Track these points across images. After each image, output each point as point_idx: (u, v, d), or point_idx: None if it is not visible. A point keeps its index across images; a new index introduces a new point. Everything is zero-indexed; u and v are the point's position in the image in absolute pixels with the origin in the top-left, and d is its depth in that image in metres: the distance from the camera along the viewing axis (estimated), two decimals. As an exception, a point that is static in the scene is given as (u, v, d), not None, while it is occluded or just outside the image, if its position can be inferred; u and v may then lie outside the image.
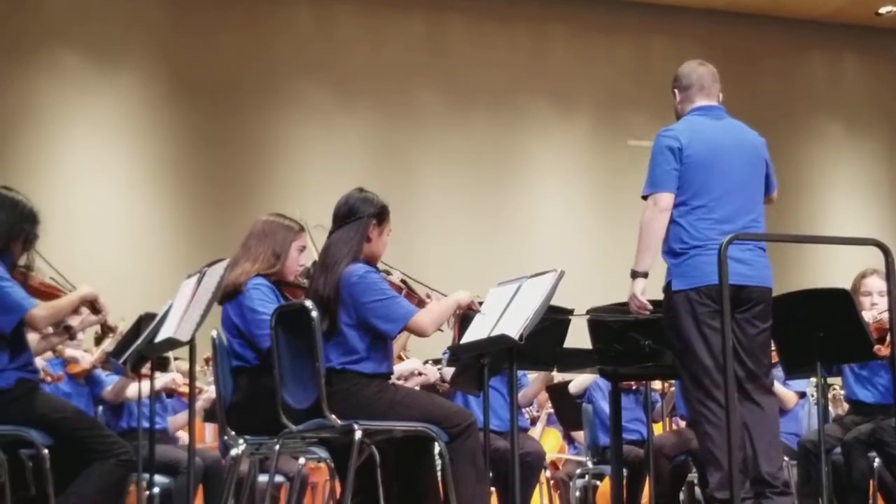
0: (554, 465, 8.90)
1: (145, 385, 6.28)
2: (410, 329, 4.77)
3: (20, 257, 4.96)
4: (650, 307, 5.08)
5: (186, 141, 12.02)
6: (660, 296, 5.21)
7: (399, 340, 5.60)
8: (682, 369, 4.96)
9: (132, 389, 6.82)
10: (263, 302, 4.99)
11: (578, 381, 7.79)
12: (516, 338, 4.63)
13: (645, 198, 5.06)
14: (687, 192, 4.99)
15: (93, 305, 4.97)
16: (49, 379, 6.37)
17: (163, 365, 7.03)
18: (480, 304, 5.00)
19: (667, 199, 4.98)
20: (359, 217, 4.80)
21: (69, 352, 6.80)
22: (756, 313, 4.99)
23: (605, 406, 7.29)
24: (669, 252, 5.01)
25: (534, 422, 9.30)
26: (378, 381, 4.73)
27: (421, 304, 5.01)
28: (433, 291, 5.25)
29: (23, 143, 11.44)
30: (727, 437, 4.37)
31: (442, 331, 5.02)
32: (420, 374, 6.81)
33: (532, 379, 7.74)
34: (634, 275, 5.05)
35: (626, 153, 13.52)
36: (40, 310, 4.79)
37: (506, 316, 4.80)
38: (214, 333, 5.12)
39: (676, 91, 5.27)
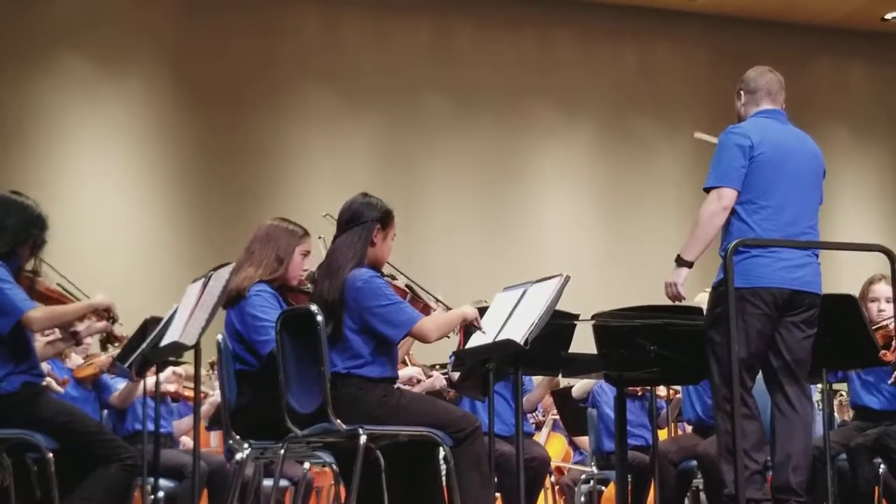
0: (559, 470, 8.89)
1: (149, 383, 6.28)
2: (414, 335, 4.77)
3: (27, 262, 4.97)
4: (685, 297, 5.05)
5: (193, 146, 12.03)
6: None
7: (404, 345, 5.61)
8: (716, 364, 4.91)
9: (139, 392, 6.82)
10: (265, 308, 4.99)
11: (581, 385, 7.79)
12: (522, 343, 4.63)
13: (707, 190, 5.02)
14: (754, 190, 4.97)
15: (108, 313, 4.98)
16: (55, 385, 6.37)
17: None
18: (485, 308, 5.02)
19: (731, 195, 4.95)
20: (363, 222, 4.80)
21: (75, 358, 6.80)
22: (805, 318, 4.99)
23: (610, 412, 7.28)
24: None
25: (539, 427, 9.29)
26: (383, 385, 4.73)
27: (426, 309, 5.01)
28: (438, 303, 5.25)
29: (29, 148, 11.46)
30: (732, 442, 4.38)
31: (448, 337, 5.02)
32: (418, 381, 6.81)
33: (536, 384, 7.74)
34: (680, 262, 5.01)
35: (632, 157, 13.53)
36: (38, 312, 4.79)
37: (511, 321, 4.80)
38: (220, 338, 5.11)
39: (742, 93, 5.26)
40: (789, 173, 5.02)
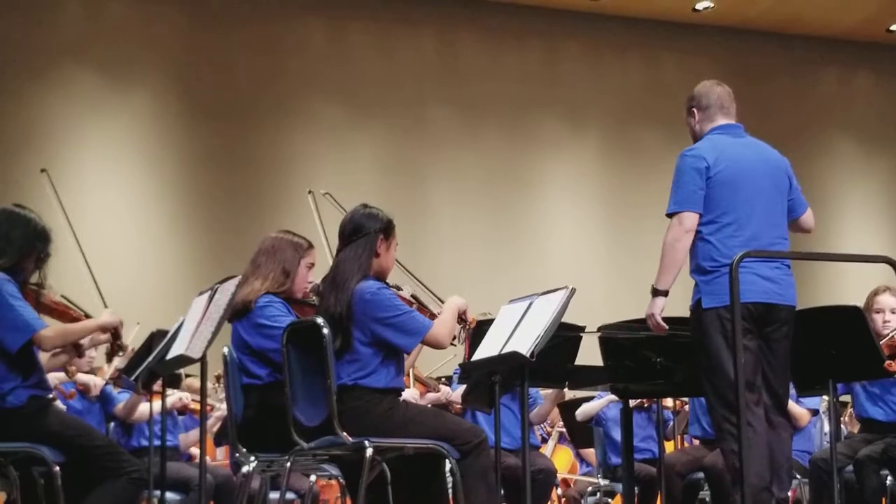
0: (565, 482, 8.88)
1: (156, 403, 6.29)
2: (428, 342, 4.76)
3: (32, 275, 4.98)
4: (667, 328, 5.05)
5: (198, 158, 12.05)
6: (676, 314, 5.20)
7: (409, 356, 5.61)
8: (709, 386, 4.92)
9: (143, 407, 6.83)
10: (279, 318, 4.99)
11: (584, 409, 7.77)
12: (528, 355, 4.62)
13: (669, 216, 5.04)
14: (715, 210, 4.98)
15: (115, 332, 4.99)
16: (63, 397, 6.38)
17: (174, 382, 7.03)
18: (491, 320, 5.01)
19: (692, 219, 4.96)
20: (365, 233, 4.80)
21: (81, 377, 6.81)
22: (784, 333, 4.98)
23: (616, 431, 7.25)
24: (699, 270, 4.98)
25: (545, 439, 9.28)
26: (389, 397, 4.72)
27: (433, 318, 5.00)
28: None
29: (35, 160, 11.46)
30: (739, 454, 4.37)
31: (454, 344, 5.01)
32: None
33: (544, 396, 7.73)
34: (655, 293, 5.03)
35: (637, 169, 13.53)
36: (49, 331, 4.81)
37: (517, 333, 4.79)
38: (226, 350, 5.12)
39: (695, 110, 5.23)
40: (749, 188, 5.00)
